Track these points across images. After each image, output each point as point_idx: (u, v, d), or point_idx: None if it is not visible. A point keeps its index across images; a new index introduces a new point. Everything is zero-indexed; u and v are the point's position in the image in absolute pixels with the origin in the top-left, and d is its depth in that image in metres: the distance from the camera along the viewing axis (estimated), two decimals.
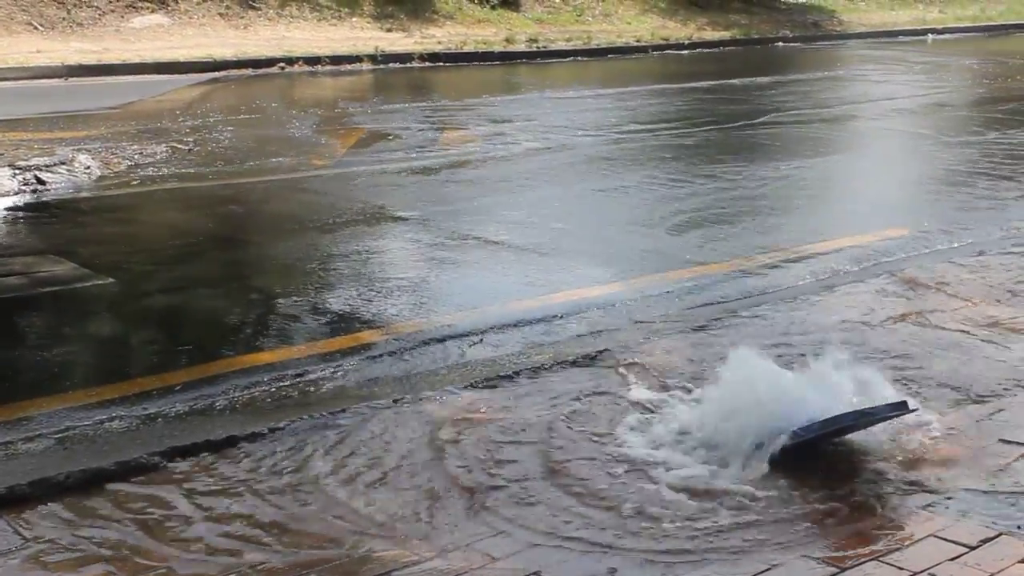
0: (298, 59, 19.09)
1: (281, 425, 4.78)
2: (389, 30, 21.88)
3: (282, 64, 18.89)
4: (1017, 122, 14.74)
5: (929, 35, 28.80)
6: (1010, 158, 11.94)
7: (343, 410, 4.95)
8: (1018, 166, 11.51)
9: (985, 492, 4.24)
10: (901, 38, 27.91)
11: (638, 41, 23.52)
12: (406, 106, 15.13)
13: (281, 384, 5.51)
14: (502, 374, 5.44)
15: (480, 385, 5.28)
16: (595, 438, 4.71)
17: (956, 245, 8.22)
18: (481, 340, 6.20)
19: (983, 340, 5.96)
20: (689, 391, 5.14)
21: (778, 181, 10.57)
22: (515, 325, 6.45)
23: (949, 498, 4.18)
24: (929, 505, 4.13)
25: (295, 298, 6.96)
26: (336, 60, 19.39)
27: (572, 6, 25.69)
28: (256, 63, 18.82)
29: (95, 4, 20.49)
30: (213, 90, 16.70)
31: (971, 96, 17.96)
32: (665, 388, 5.23)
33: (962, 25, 30.81)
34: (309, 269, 7.60)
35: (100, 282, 7.24)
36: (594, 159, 11.57)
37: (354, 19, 22.23)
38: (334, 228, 8.67)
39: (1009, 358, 5.70)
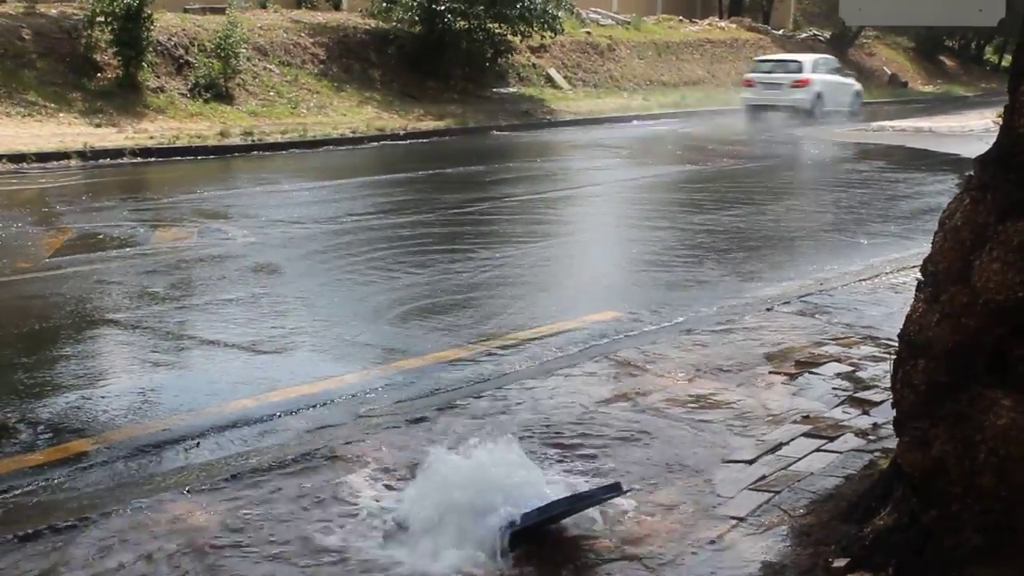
0: (1, 157, 18.31)
1: None
2: (99, 125, 21.31)
3: None
4: (715, 203, 15.54)
5: (634, 121, 30.09)
6: (712, 238, 12.56)
7: (52, 526, 4.76)
8: (720, 244, 12.13)
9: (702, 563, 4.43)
10: (608, 125, 29.04)
11: (354, 132, 23.67)
12: (117, 203, 14.76)
13: None
14: (219, 478, 5.33)
15: (197, 490, 5.17)
16: (309, 536, 4.68)
17: (666, 325, 8.55)
18: (198, 444, 6.08)
19: (691, 417, 6.21)
20: (407, 484, 5.15)
21: (495, 268, 10.78)
22: (234, 426, 6.36)
23: (662, 564, 4.35)
24: None
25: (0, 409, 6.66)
26: (43, 157, 18.65)
27: (287, 99, 25.68)
28: None
29: None
30: None
31: (673, 179, 18.81)
32: (384, 482, 5.23)
33: (664, 111, 32.29)
34: (16, 379, 7.27)
35: None
36: (312, 252, 11.55)
37: (62, 115, 21.55)
38: (41, 334, 8.35)
39: (715, 433, 5.96)
